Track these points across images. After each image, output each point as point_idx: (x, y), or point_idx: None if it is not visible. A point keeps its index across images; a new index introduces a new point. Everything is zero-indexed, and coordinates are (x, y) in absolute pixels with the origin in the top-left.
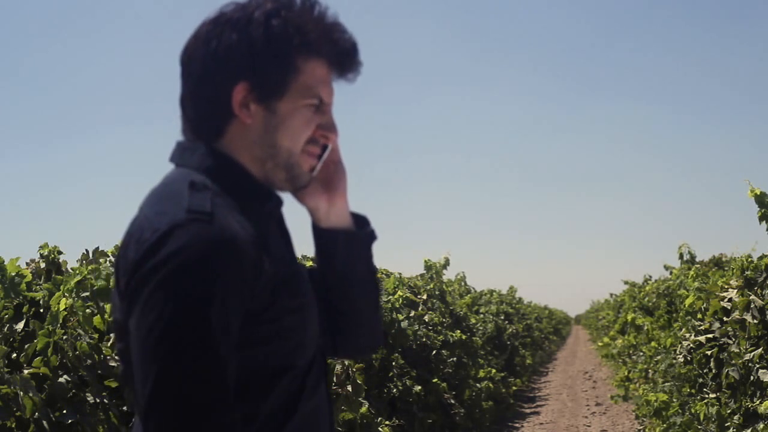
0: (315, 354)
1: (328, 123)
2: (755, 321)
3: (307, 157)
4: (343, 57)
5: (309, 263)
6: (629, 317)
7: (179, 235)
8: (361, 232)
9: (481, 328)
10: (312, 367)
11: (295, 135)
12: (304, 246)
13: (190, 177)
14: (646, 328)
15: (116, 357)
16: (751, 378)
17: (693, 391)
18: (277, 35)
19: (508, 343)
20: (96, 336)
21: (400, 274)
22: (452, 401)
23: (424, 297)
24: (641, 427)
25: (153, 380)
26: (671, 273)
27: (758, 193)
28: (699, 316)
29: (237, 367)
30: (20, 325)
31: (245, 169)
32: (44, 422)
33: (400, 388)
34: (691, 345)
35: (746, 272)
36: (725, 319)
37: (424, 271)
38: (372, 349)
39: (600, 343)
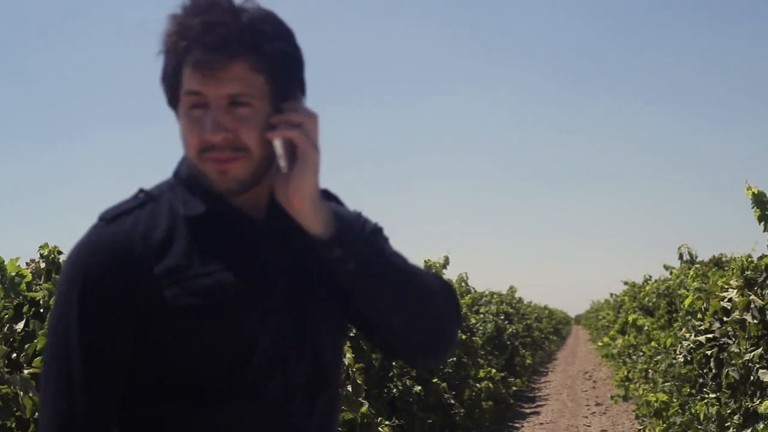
0: (257, 367)
1: (208, 122)
2: (755, 321)
3: (212, 164)
4: (193, 44)
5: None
6: (630, 318)
7: (79, 240)
8: (325, 239)
9: (481, 328)
10: (234, 377)
11: (185, 142)
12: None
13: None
14: (646, 328)
15: None
16: (751, 378)
17: (693, 391)
18: (162, 42)
19: (508, 343)
20: None
21: None
22: (452, 401)
23: None
24: (641, 427)
25: None
26: (671, 273)
27: (755, 192)
28: (699, 316)
29: (131, 370)
30: (20, 325)
31: (182, 176)
32: None
33: (400, 388)
34: (691, 345)
35: (746, 272)
36: (725, 319)
37: None
38: (431, 355)
39: (600, 343)
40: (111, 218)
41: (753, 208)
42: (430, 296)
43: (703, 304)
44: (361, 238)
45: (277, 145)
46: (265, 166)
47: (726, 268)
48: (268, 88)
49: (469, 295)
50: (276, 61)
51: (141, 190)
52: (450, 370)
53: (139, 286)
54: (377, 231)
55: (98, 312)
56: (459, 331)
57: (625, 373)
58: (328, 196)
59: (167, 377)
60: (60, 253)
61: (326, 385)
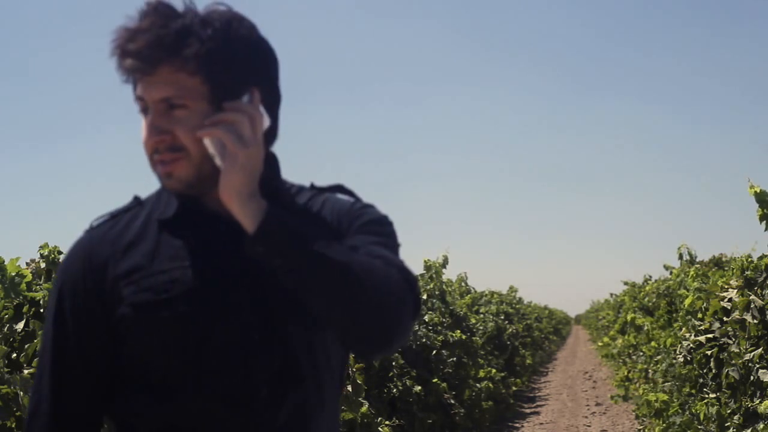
0: (213, 361)
1: (147, 126)
2: (755, 321)
3: (159, 166)
4: (121, 52)
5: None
6: (629, 318)
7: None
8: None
9: (481, 328)
10: (188, 371)
11: (143, 144)
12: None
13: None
14: (646, 328)
15: None
16: (751, 378)
17: (693, 391)
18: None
19: (508, 343)
20: None
21: None
22: (452, 401)
23: (424, 297)
24: (641, 427)
25: None
26: (671, 273)
27: (758, 191)
28: (699, 316)
29: (108, 367)
30: (20, 325)
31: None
32: None
33: (400, 388)
34: (691, 345)
35: (746, 272)
36: (725, 319)
37: (424, 271)
38: (378, 348)
39: (600, 343)
40: (96, 225)
41: (764, 209)
42: (374, 291)
43: (703, 304)
44: (288, 236)
45: (208, 144)
46: (212, 165)
47: (726, 268)
48: (206, 88)
49: (469, 295)
50: (208, 62)
51: (135, 197)
52: (450, 370)
53: (105, 287)
54: (331, 231)
55: (69, 316)
56: (414, 322)
57: (625, 373)
58: (342, 191)
59: (130, 372)
60: (60, 253)
61: (297, 382)
